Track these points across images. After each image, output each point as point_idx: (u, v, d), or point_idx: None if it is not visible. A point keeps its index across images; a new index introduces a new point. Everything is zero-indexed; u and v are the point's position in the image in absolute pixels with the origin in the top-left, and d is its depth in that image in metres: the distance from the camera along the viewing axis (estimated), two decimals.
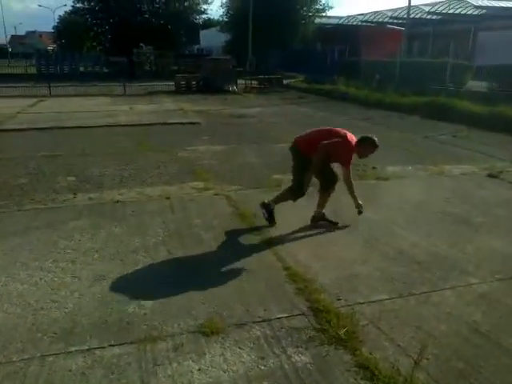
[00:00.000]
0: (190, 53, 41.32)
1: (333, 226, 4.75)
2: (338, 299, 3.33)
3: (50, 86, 19.31)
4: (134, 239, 4.39)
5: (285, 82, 25.38)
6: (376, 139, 4.44)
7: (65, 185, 6.29)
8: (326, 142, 4.36)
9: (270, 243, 4.31)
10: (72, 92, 19.17)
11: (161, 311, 3.17)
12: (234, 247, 4.25)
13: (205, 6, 37.99)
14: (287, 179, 6.54)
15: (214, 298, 3.34)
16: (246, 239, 4.44)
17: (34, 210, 5.22)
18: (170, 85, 21.89)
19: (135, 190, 6.05)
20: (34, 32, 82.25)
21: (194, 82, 22.16)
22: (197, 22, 39.40)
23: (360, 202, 4.63)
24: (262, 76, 25.18)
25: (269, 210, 4.75)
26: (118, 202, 5.51)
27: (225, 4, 37.93)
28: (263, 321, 3.08)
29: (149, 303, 3.27)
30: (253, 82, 24.37)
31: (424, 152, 8.61)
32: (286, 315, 3.13)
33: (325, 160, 4.50)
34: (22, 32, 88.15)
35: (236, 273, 3.75)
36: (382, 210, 5.29)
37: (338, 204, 5.00)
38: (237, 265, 3.89)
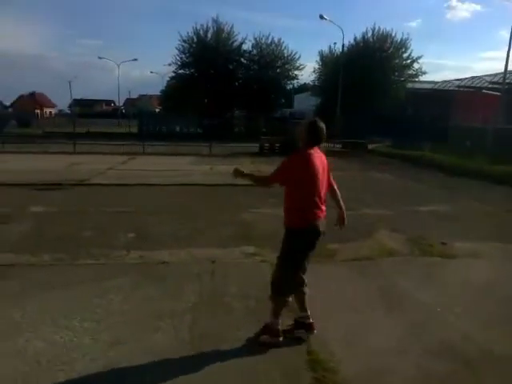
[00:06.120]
0: (281, 116, 42.68)
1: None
2: None
3: (143, 145, 20.96)
4: (165, 303, 4.34)
5: (370, 146, 24.99)
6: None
7: (123, 241, 6.53)
8: None
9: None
10: (162, 151, 20.61)
11: None
12: (261, 322, 3.97)
13: (296, 72, 39.81)
14: (343, 248, 6.25)
15: (217, 381, 3.12)
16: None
17: (85, 264, 5.43)
18: (255, 146, 22.77)
19: (186, 249, 6.10)
20: (144, 95, 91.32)
21: (277, 144, 22.68)
22: (289, 87, 41.30)
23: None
24: (347, 140, 25.06)
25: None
26: (163, 262, 5.56)
27: (317, 70, 39.61)
28: None
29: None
30: (336, 145, 24.31)
31: (507, 228, 7.73)
32: None
33: None
34: (136, 95, 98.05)
35: (254, 351, 3.48)
36: (438, 292, 4.71)
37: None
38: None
